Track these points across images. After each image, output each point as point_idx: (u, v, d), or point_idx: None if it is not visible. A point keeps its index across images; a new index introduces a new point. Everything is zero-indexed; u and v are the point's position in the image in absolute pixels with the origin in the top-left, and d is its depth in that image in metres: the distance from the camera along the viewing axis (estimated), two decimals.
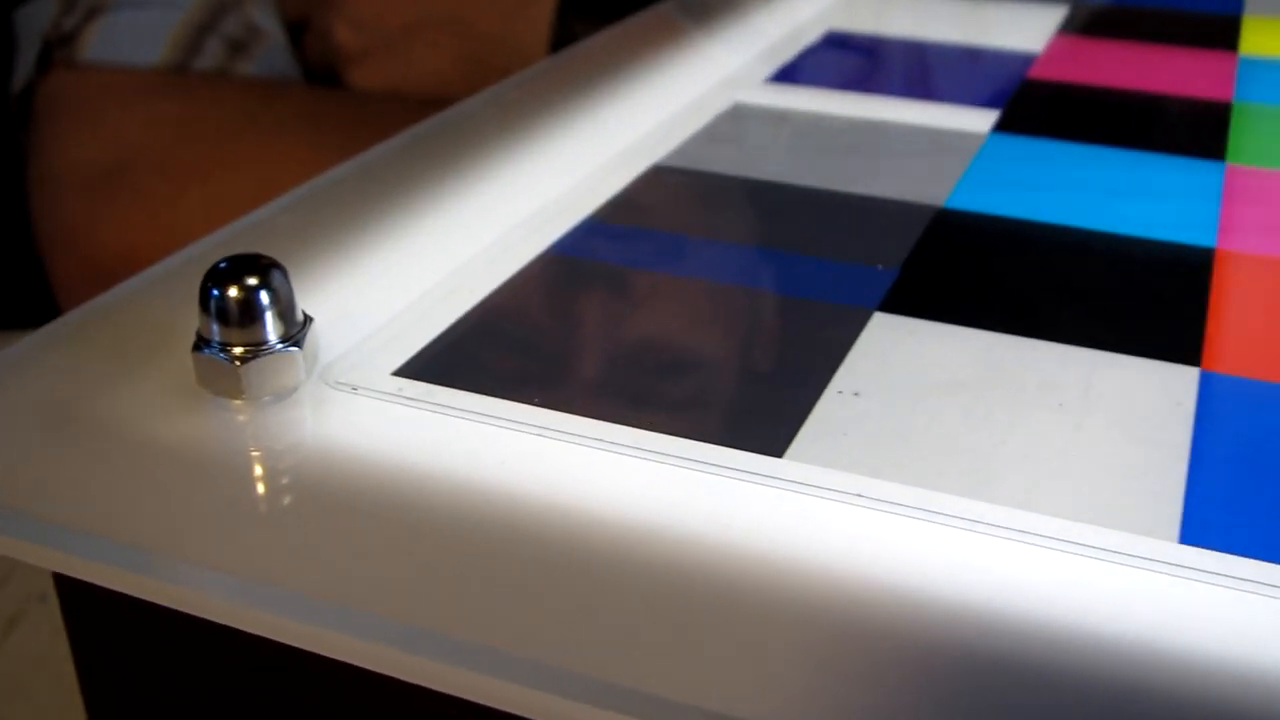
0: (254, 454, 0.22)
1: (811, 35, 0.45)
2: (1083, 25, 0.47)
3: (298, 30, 0.83)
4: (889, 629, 0.18)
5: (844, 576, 0.19)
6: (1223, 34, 0.46)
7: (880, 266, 0.28)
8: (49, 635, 0.52)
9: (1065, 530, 0.20)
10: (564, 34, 0.75)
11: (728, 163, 0.33)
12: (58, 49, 0.76)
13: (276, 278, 0.23)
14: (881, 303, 0.26)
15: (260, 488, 0.21)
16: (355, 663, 0.18)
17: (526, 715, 0.17)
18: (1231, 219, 0.31)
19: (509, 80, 0.39)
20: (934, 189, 0.32)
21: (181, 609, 0.19)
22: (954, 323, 0.25)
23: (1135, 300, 0.27)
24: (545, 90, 0.38)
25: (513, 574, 0.19)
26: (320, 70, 0.82)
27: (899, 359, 0.24)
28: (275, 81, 0.79)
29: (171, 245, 0.77)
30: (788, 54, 0.43)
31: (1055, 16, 0.48)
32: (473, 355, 0.24)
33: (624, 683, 0.17)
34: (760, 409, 0.23)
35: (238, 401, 0.23)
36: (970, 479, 0.21)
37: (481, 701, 0.18)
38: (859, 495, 0.20)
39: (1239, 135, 0.36)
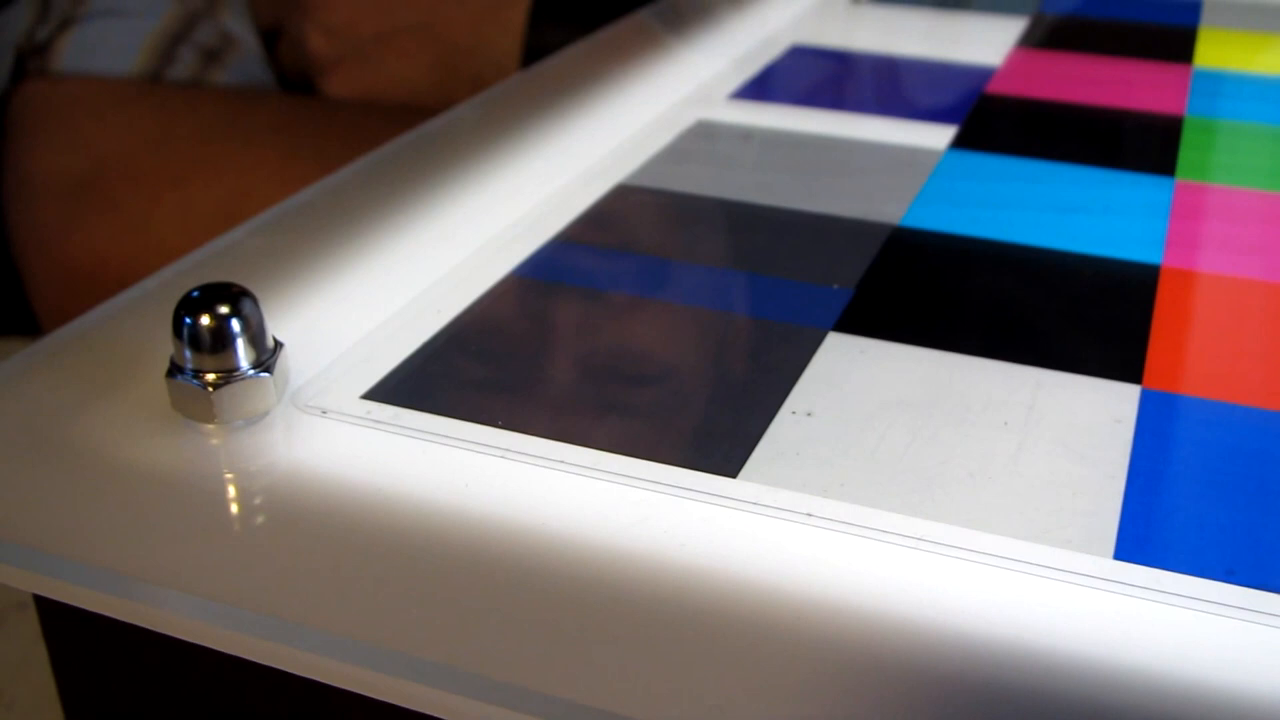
0: (227, 477, 0.23)
1: (776, 49, 0.46)
2: (1041, 37, 0.48)
3: (271, 37, 0.83)
4: (834, 644, 0.18)
5: (794, 594, 0.19)
6: (1178, 46, 0.47)
7: (836, 286, 0.28)
8: (30, 642, 0.53)
9: (1005, 548, 0.21)
10: (536, 42, 0.76)
11: (690, 181, 0.34)
12: (31, 59, 0.76)
13: (247, 305, 0.24)
14: (836, 323, 0.27)
15: (233, 510, 0.22)
16: (323, 680, 0.19)
17: None
18: (1178, 235, 0.32)
19: (476, 98, 0.40)
20: (890, 207, 0.33)
21: (157, 630, 0.20)
22: (905, 342, 0.26)
23: (1081, 318, 0.28)
24: (513, 108, 0.39)
25: (477, 593, 0.19)
26: (294, 77, 0.82)
27: (851, 379, 0.25)
28: (248, 91, 0.79)
29: (145, 253, 0.78)
30: (752, 69, 0.44)
31: (1015, 29, 0.49)
32: (439, 378, 0.25)
33: (585, 700, 0.18)
34: (716, 430, 0.23)
35: (211, 425, 0.23)
36: (916, 498, 0.22)
37: (445, 718, 0.18)
38: (809, 515, 0.21)
39: (1189, 150, 0.37)
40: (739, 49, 0.46)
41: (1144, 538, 0.21)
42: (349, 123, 0.75)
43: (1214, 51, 0.47)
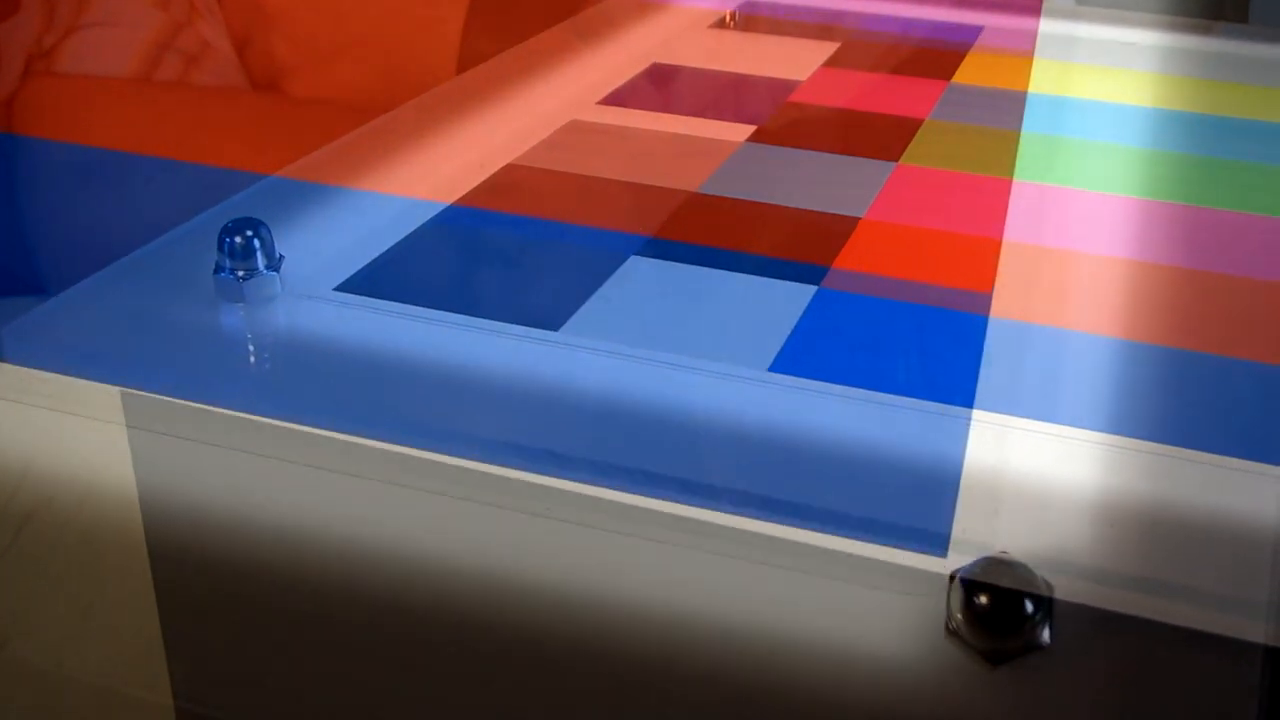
0: (250, 335, 0.37)
1: (641, 65, 0.61)
2: (846, 58, 0.64)
3: (243, 45, 0.98)
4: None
5: (581, 385, 0.34)
6: (946, 65, 0.63)
7: (642, 233, 0.44)
8: (54, 532, 0.67)
9: (711, 366, 0.36)
10: (466, 53, 0.91)
11: (559, 164, 0.49)
12: (38, 61, 0.90)
13: (263, 230, 0.38)
14: (635, 252, 0.42)
15: (253, 355, 0.36)
16: (308, 427, 0.34)
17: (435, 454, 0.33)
18: (881, 200, 0.47)
19: (415, 100, 0.55)
20: (695, 180, 0.48)
21: (211, 405, 0.35)
22: (678, 262, 0.42)
23: (800, 249, 0.43)
24: (441, 108, 0.54)
25: (394, 386, 0.34)
26: (263, 79, 0.97)
27: (640, 281, 0.40)
28: (226, 90, 0.93)
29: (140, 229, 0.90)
30: (620, 80, 0.59)
31: (828, 51, 0.65)
32: (383, 280, 0.40)
33: (456, 428, 0.32)
34: (554, 304, 0.39)
35: (241, 304, 0.38)
36: (664, 339, 0.37)
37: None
38: (595, 349, 0.36)
39: (917, 144, 0.52)
40: (613, 63, 0.61)
41: (792, 361, 0.36)
42: (310, 118, 0.90)
43: (972, 70, 0.63)
